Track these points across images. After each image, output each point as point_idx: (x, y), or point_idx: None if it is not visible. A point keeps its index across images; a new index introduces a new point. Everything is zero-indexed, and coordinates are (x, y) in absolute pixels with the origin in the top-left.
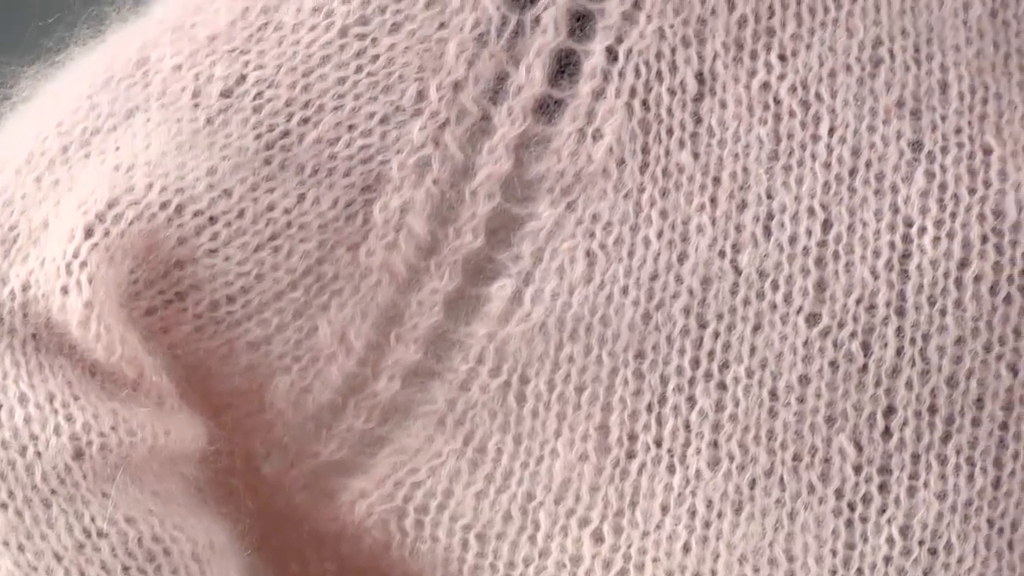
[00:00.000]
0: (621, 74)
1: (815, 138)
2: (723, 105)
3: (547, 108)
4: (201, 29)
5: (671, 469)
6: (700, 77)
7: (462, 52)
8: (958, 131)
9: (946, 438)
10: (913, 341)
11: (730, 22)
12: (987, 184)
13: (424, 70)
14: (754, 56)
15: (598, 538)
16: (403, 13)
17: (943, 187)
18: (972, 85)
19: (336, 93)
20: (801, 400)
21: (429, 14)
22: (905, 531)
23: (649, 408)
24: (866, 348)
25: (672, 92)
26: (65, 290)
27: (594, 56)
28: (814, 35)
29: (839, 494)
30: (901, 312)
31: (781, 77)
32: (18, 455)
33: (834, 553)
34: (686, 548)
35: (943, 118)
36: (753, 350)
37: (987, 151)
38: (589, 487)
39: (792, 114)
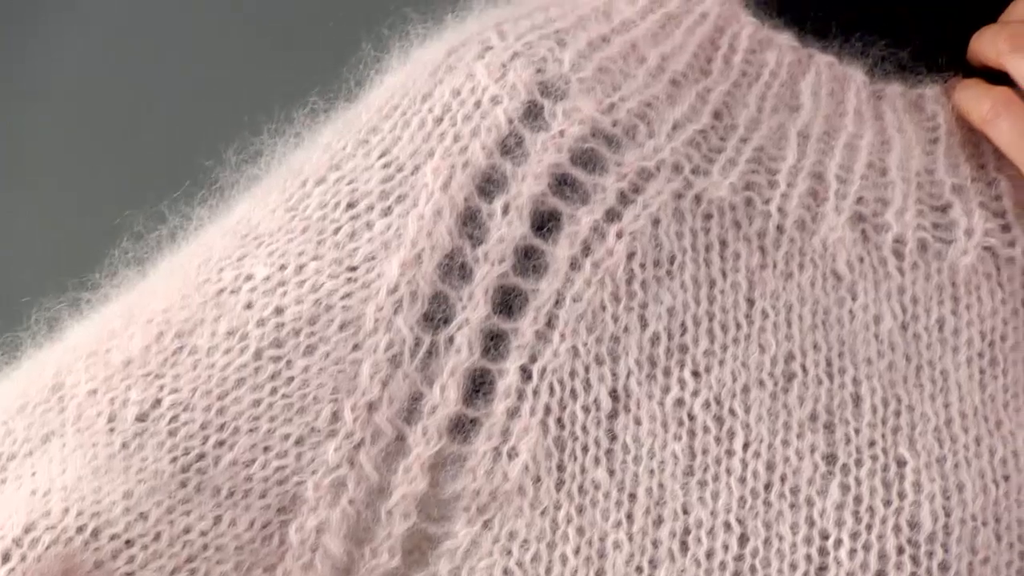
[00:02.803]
0: (536, 392)
1: (730, 453)
2: (637, 422)
3: (462, 427)
4: (116, 354)
5: None
6: (614, 394)
7: (376, 373)
8: (872, 444)
9: None
10: None
11: (643, 339)
12: (902, 496)
13: (339, 391)
14: (667, 373)
15: None
16: (317, 335)
17: (858, 500)
18: (885, 398)
19: (251, 415)
20: None
21: (343, 336)
22: None
23: None
24: None
25: (587, 410)
26: None
27: (508, 375)
28: (727, 351)
29: None
30: None
31: (695, 393)
32: None
33: None
34: None
35: (856, 431)
36: None
37: (901, 463)
38: None
39: (706, 430)
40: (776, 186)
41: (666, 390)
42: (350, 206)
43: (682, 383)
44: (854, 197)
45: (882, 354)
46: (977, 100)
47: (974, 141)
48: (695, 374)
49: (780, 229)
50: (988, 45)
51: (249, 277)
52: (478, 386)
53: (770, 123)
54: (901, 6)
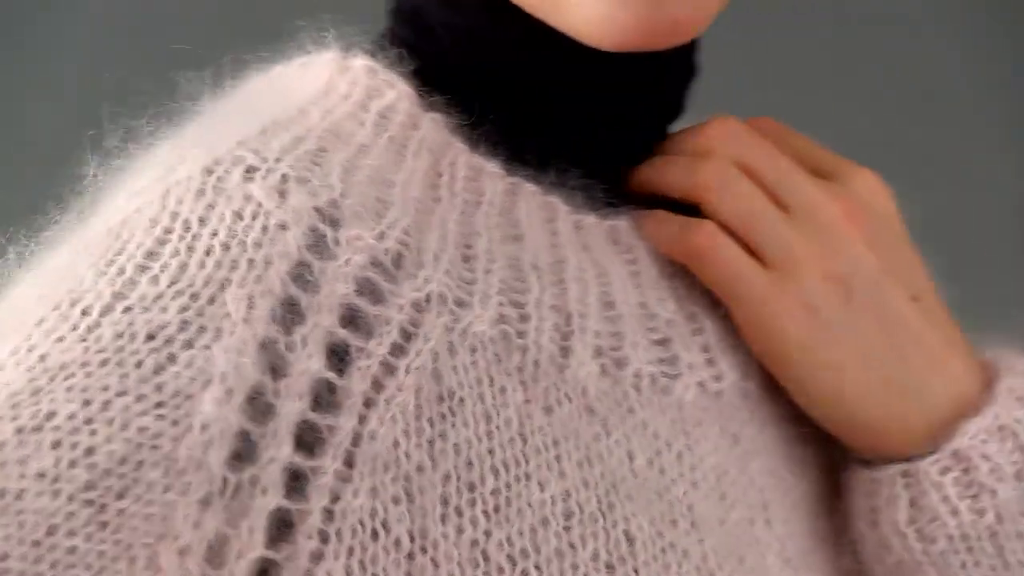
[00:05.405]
0: (339, 534)
1: None
2: (435, 563)
3: (267, 571)
4: None
5: None
6: (412, 535)
7: (188, 515)
8: None
9: None
10: None
11: (435, 478)
12: None
13: (153, 535)
14: (460, 512)
15: None
16: (130, 476)
17: None
18: (652, 535)
19: (67, 563)
20: None
21: (156, 476)
22: None
23: None
24: None
25: (387, 551)
26: None
27: (311, 516)
28: (511, 489)
29: None
30: None
31: (487, 533)
32: None
33: None
34: None
35: (635, 570)
36: None
37: None
38: None
39: (501, 571)
40: (528, 319)
41: (460, 530)
42: (150, 337)
43: (475, 522)
44: (593, 331)
45: (640, 490)
46: (680, 233)
47: (668, 274)
48: (485, 513)
49: (537, 364)
50: (682, 177)
51: (51, 415)
52: (282, 527)
53: (503, 253)
54: (574, 136)
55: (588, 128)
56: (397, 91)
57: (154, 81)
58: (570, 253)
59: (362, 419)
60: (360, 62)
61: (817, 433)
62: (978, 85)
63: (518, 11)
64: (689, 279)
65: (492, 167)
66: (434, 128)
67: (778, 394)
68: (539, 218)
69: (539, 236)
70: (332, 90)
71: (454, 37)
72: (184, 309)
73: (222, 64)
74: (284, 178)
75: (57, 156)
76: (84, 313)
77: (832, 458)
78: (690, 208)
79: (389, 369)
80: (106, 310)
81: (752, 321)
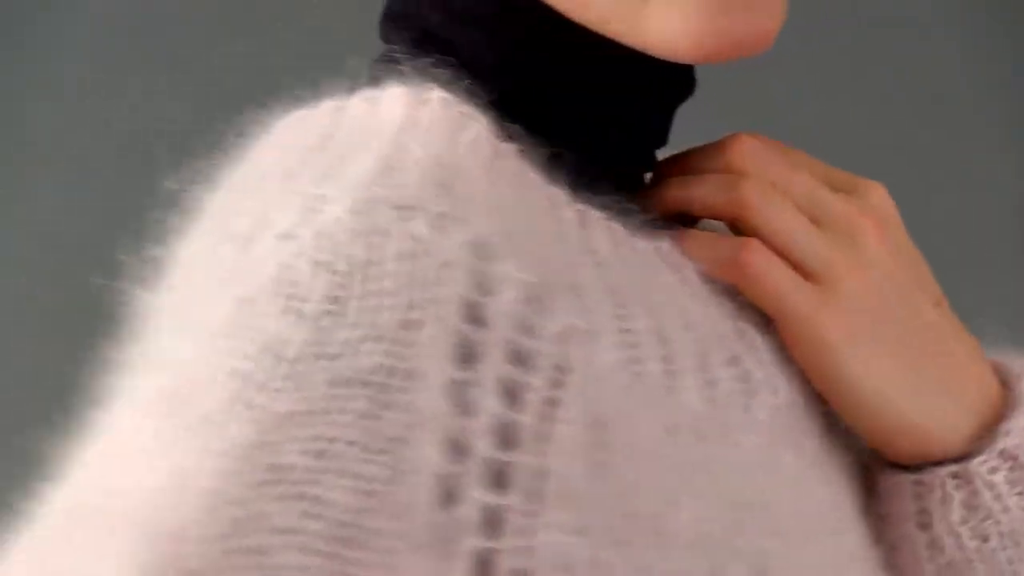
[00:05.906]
0: (533, 572)
1: None
2: None
3: None
4: (189, 562)
5: None
6: (591, 566)
7: (412, 563)
8: None
9: None
10: None
11: (602, 508)
12: None
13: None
14: (628, 541)
15: None
16: (361, 526)
17: None
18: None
19: None
20: None
21: (383, 524)
22: None
23: None
24: None
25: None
26: None
27: (508, 555)
28: (661, 514)
29: None
30: None
31: (652, 559)
32: None
33: None
34: None
35: None
36: None
37: None
38: None
39: None
40: (638, 346)
41: (629, 559)
42: (359, 383)
43: (641, 549)
44: (686, 354)
45: (751, 508)
46: (729, 253)
47: (717, 292)
48: (647, 539)
49: (652, 389)
50: (718, 194)
51: (280, 467)
52: (483, 569)
53: (602, 280)
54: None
55: (628, 141)
56: (479, 123)
57: (154, 82)
58: (645, 277)
59: (539, 454)
60: (436, 94)
61: (848, 442)
62: (978, 86)
63: (552, 20)
64: (733, 296)
65: (564, 195)
66: (513, 159)
67: (817, 406)
68: (609, 243)
69: (615, 262)
70: (415, 124)
71: (495, 55)
72: (388, 354)
73: (272, 99)
74: (434, 215)
75: (57, 156)
76: (289, 362)
77: (861, 465)
78: (691, 221)
79: (553, 403)
80: (311, 358)
81: (801, 337)
